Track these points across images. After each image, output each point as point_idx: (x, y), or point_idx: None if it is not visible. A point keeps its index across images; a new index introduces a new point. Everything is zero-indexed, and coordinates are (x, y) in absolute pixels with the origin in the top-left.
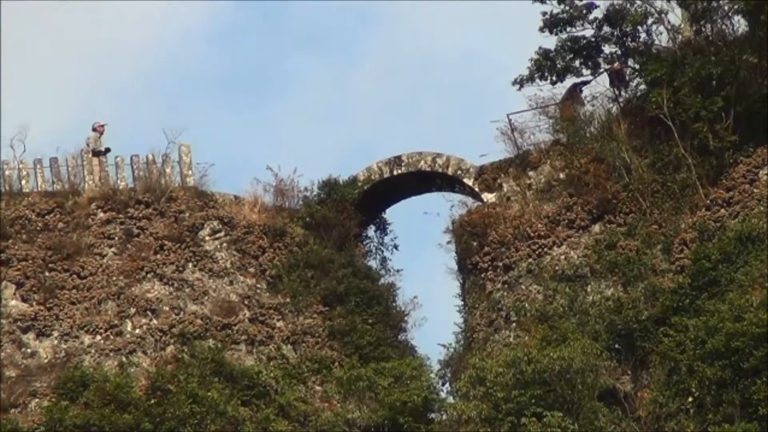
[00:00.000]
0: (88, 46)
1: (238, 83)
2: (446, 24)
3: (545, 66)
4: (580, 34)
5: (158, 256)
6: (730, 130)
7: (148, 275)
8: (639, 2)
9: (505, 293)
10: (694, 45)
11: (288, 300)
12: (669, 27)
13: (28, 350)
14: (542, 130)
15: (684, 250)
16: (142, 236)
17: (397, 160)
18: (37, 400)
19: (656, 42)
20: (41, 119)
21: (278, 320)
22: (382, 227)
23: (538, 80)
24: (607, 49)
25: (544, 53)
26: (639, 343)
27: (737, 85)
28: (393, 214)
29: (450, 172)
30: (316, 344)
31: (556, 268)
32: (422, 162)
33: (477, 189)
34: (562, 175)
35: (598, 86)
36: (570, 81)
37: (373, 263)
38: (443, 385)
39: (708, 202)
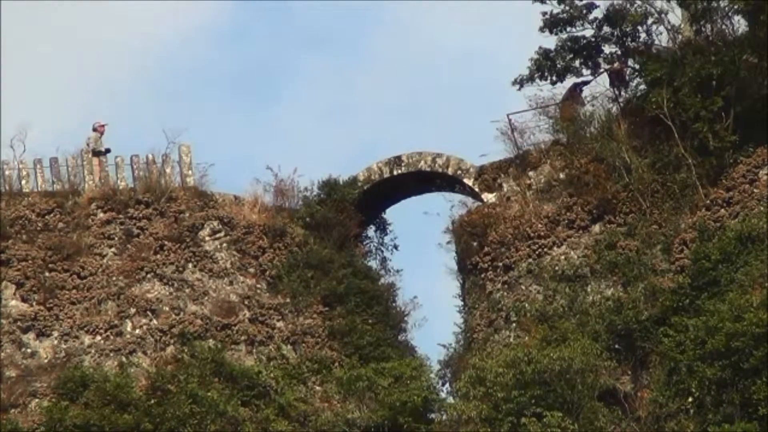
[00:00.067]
0: (88, 46)
1: (240, 83)
2: (447, 24)
3: (545, 66)
4: (580, 34)
5: (158, 256)
6: (730, 130)
7: (148, 275)
8: (639, 2)
9: (505, 293)
10: (694, 45)
11: (288, 300)
12: (669, 27)
13: (28, 350)
14: (542, 130)
15: (684, 250)
16: (142, 236)
17: (397, 160)
18: (37, 400)
19: (656, 42)
20: (41, 119)
21: (278, 320)
22: (382, 227)
23: (538, 80)
24: (607, 49)
25: (544, 53)
26: (639, 343)
27: (737, 85)
28: (393, 214)
29: (450, 172)
30: (316, 344)
31: (556, 268)
32: (422, 162)
33: (477, 189)
34: (562, 175)
35: (598, 86)
36: (570, 81)
37: (373, 263)
38: (443, 385)
39: (708, 202)
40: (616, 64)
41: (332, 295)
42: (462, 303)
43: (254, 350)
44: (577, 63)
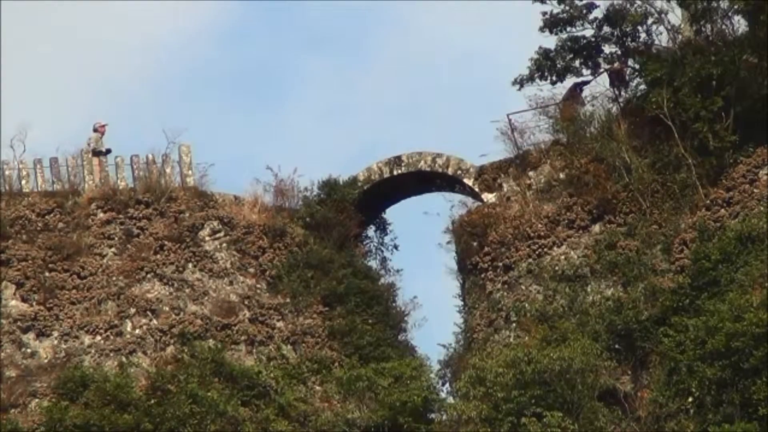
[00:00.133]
0: (88, 46)
1: (240, 83)
2: (447, 24)
3: (545, 66)
4: (580, 34)
5: (158, 256)
6: (730, 130)
7: (148, 275)
8: (639, 2)
9: (505, 293)
10: (694, 45)
11: (288, 300)
12: (669, 27)
13: (28, 350)
14: (542, 130)
15: (684, 250)
16: (142, 236)
17: (397, 160)
18: (37, 400)
19: (656, 42)
20: (41, 119)
21: (278, 320)
22: (382, 227)
23: (538, 80)
24: (607, 49)
25: (544, 53)
26: (639, 343)
27: (737, 85)
28: (393, 214)
29: (450, 172)
30: (316, 344)
31: (556, 268)
32: (422, 162)
33: (477, 189)
34: (562, 175)
35: (598, 86)
36: (570, 81)
37: (373, 263)
38: (443, 385)
39: (708, 202)
40: (616, 64)
41: (332, 295)
42: (462, 303)
43: (254, 350)
44: (577, 63)
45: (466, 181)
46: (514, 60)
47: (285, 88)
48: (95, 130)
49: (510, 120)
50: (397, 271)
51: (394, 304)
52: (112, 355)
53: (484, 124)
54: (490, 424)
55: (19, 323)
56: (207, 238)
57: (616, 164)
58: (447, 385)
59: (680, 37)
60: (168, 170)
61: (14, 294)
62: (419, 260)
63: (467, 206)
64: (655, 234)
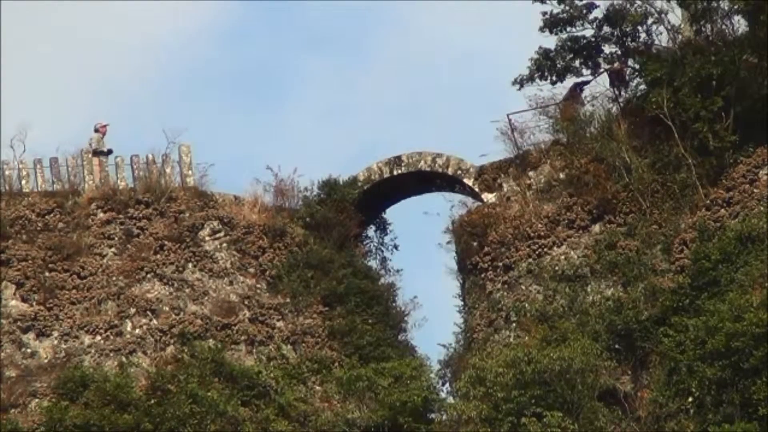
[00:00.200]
0: (88, 46)
1: (240, 83)
2: (447, 24)
3: (545, 66)
4: (580, 34)
5: (158, 256)
6: (730, 130)
7: (148, 275)
8: (639, 2)
9: (505, 293)
10: (694, 45)
11: (288, 300)
12: (669, 27)
13: (28, 350)
14: (542, 130)
15: (684, 250)
16: (142, 236)
17: (397, 160)
18: (37, 400)
19: (656, 42)
20: (41, 119)
21: (278, 320)
22: (382, 227)
23: (538, 80)
24: (607, 49)
25: (544, 53)
26: (639, 343)
27: (737, 85)
28: (393, 214)
29: (450, 172)
30: (316, 344)
31: (556, 268)
32: (422, 162)
33: (477, 189)
34: (562, 175)
35: (598, 86)
36: (570, 81)
37: (373, 263)
38: (443, 385)
39: (708, 202)
40: (616, 64)
41: (332, 295)
42: (462, 303)
43: (254, 350)
44: (577, 63)
45: (466, 181)
46: (514, 60)
47: (285, 88)
48: (96, 131)
49: (510, 120)
50: (397, 271)
51: (394, 304)
52: (112, 355)
53: (484, 124)
54: (490, 424)
55: (19, 323)
56: (207, 238)
57: (616, 164)
58: (447, 385)
59: (680, 37)
60: (168, 170)
61: (14, 294)
62: (419, 260)
63: (467, 206)
64: (655, 234)
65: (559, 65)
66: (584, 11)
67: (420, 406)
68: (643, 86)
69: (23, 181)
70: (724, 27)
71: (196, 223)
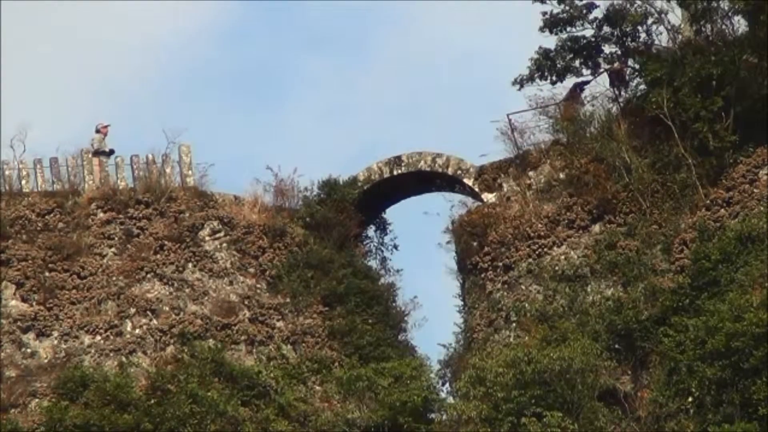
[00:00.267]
0: (88, 46)
1: (240, 83)
2: (447, 24)
3: (545, 66)
4: (580, 34)
5: (158, 256)
6: (730, 130)
7: (148, 275)
8: (639, 2)
9: (505, 293)
10: (694, 45)
11: (288, 300)
12: (669, 27)
13: (28, 350)
14: (542, 130)
15: (684, 250)
16: (142, 236)
17: (397, 160)
18: (37, 400)
19: (656, 42)
20: (41, 119)
21: (278, 320)
22: (382, 227)
23: (538, 80)
24: (607, 49)
25: (544, 53)
26: (639, 343)
27: (737, 85)
28: (393, 214)
29: (450, 172)
30: (316, 344)
31: (556, 268)
32: (422, 162)
33: (477, 189)
34: (562, 175)
35: (598, 86)
36: (570, 81)
37: (373, 263)
38: (443, 385)
39: (708, 202)
40: (616, 64)
41: (332, 295)
42: (462, 303)
43: (254, 350)
44: (577, 63)
45: (466, 181)
46: (514, 60)
47: (285, 88)
48: (98, 131)
49: (510, 120)
50: (397, 271)
51: (394, 304)
52: (112, 355)
53: (484, 124)
54: (490, 424)
55: (19, 323)
56: (207, 238)
57: (616, 164)
58: (447, 385)
59: (680, 37)
60: (168, 170)
61: (14, 294)
62: (419, 260)
63: (467, 206)
64: (655, 234)
65: (559, 65)
66: (584, 11)
67: (420, 406)
68: (643, 86)
69: (23, 181)
70: (724, 27)
71: (196, 223)
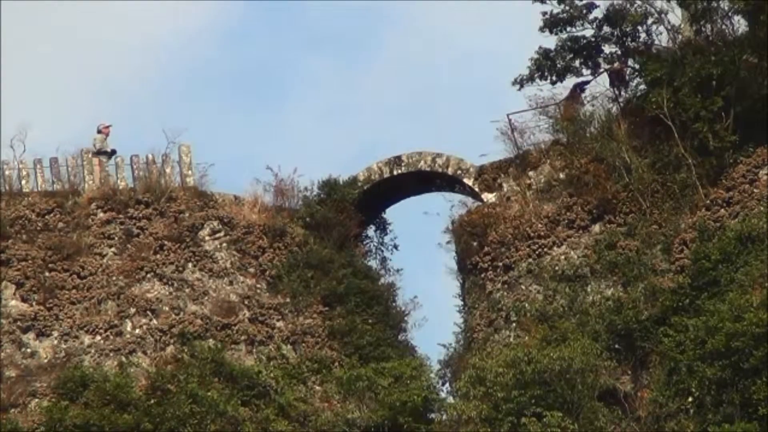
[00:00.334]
0: (88, 46)
1: (240, 83)
2: (447, 24)
3: (545, 66)
4: (580, 34)
5: (158, 256)
6: (730, 130)
7: (148, 275)
8: (639, 2)
9: (505, 293)
10: (694, 45)
11: (288, 300)
12: (669, 27)
13: (28, 350)
14: (542, 130)
15: (684, 250)
16: (142, 236)
17: (397, 160)
18: (37, 400)
19: (656, 42)
20: (41, 119)
21: (278, 320)
22: (382, 227)
23: (538, 80)
24: (607, 49)
25: (544, 53)
26: (639, 343)
27: (737, 85)
28: (393, 214)
29: (450, 172)
30: (316, 344)
31: (556, 268)
32: (422, 162)
33: (477, 189)
34: (562, 175)
35: (598, 86)
36: (570, 81)
37: (373, 263)
38: (443, 385)
39: (708, 202)
40: (616, 64)
41: (332, 295)
42: (462, 303)
43: (254, 350)
44: (577, 63)
45: (466, 181)
46: (514, 60)
47: (285, 88)
48: (99, 132)
49: (510, 120)
50: (397, 271)
51: (394, 304)
52: (112, 355)
53: (484, 124)
54: (490, 424)
55: (19, 323)
56: (207, 238)
57: (616, 164)
58: (447, 385)
59: (680, 37)
60: (168, 170)
61: (14, 294)
62: (419, 260)
63: (467, 206)
64: (655, 234)
65: (559, 65)
66: (584, 11)
67: (420, 406)
68: (643, 86)
69: (23, 181)
70: (724, 27)
71: (196, 223)
